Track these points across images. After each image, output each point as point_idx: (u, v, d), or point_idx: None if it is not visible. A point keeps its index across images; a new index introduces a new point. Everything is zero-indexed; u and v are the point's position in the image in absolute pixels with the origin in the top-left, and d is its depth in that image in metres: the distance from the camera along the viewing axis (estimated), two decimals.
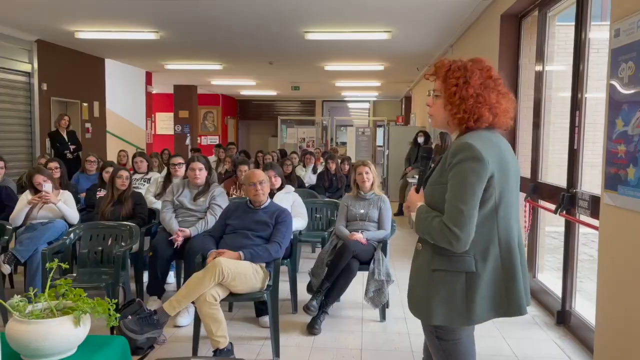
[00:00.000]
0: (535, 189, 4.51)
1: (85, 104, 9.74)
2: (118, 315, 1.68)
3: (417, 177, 2.09)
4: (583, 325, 3.60)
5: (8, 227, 4.07)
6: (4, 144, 7.67)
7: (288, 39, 8.01)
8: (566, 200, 3.71)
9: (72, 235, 3.98)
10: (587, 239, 6.69)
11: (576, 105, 3.73)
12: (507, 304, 1.81)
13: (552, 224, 6.28)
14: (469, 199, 1.69)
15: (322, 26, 7.19)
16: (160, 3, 6.02)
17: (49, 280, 1.69)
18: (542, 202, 4.44)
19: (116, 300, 1.70)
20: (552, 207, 3.94)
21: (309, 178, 7.66)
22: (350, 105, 21.54)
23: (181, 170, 5.16)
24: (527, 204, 4.59)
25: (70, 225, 4.33)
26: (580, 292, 4.83)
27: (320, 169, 7.77)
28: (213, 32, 7.62)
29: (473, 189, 1.69)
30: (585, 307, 3.86)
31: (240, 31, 7.56)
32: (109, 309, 1.63)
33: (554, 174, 4.96)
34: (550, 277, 4.69)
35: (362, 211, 4.22)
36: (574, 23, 3.77)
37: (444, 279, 1.79)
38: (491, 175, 1.72)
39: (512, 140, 5.21)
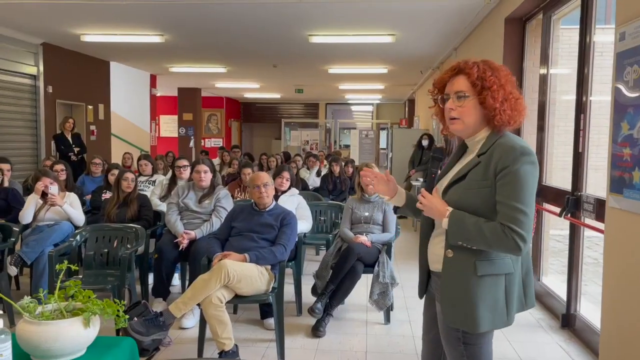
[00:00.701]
0: (540, 192, 4.51)
1: (90, 107, 9.79)
2: (127, 316, 1.70)
3: (421, 179, 2.07)
4: (588, 329, 3.59)
5: (15, 229, 4.09)
6: (10, 146, 7.71)
7: (292, 42, 8.04)
8: (571, 203, 3.72)
9: (78, 237, 4.00)
10: (592, 242, 6.67)
11: (581, 108, 3.74)
12: (526, 299, 1.86)
13: (556, 227, 6.28)
14: (530, 202, 1.70)
15: (326, 29, 7.21)
16: (165, 7, 6.06)
17: (58, 281, 1.70)
18: (546, 205, 4.44)
19: (124, 302, 1.71)
20: (557, 210, 3.94)
21: (313, 180, 7.67)
22: (353, 107, 21.57)
23: (186, 173, 5.18)
24: None
25: (76, 227, 4.36)
26: (585, 296, 4.82)
27: (324, 171, 7.78)
28: (217, 35, 7.65)
29: (532, 193, 1.71)
30: (590, 310, 3.86)
31: (244, 34, 7.59)
32: (118, 310, 1.64)
33: (559, 177, 4.96)
34: (554, 281, 4.69)
35: (366, 214, 4.23)
36: (578, 26, 3.78)
37: (489, 284, 1.76)
38: None
39: None
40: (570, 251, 3.89)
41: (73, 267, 1.78)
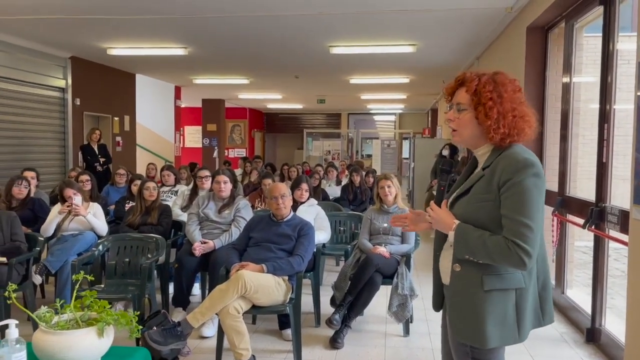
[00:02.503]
0: (563, 203, 4.42)
1: (116, 118, 10.01)
2: (141, 327, 1.72)
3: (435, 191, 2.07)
4: (613, 344, 3.49)
5: (40, 238, 4.19)
6: (39, 157, 7.92)
7: (313, 53, 8.10)
8: (595, 214, 3.63)
9: (100, 247, 4.07)
10: (620, 254, 6.49)
11: (604, 117, 3.66)
12: (543, 315, 1.80)
13: (582, 239, 6.13)
14: (535, 216, 1.65)
15: (346, 40, 7.24)
16: (188, 20, 6.18)
17: (75, 291, 1.74)
18: (570, 217, 4.35)
19: (138, 312, 1.74)
20: (581, 221, 3.86)
21: (333, 191, 7.67)
22: (376, 117, 21.54)
23: (207, 183, 5.24)
24: (555, 218, 4.50)
25: (99, 237, 4.44)
26: (611, 309, 4.69)
27: (344, 181, 7.78)
28: (239, 47, 7.76)
29: (538, 206, 1.66)
30: (616, 324, 3.75)
31: (266, 46, 7.67)
32: (132, 321, 1.66)
33: (585, 187, 4.86)
34: (580, 294, 4.57)
35: (385, 225, 4.20)
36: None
37: (496, 299, 1.73)
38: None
39: (539, 153, 5.13)
40: (595, 263, 3.79)
41: (89, 278, 1.81)
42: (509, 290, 1.73)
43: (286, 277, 3.46)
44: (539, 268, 1.78)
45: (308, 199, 4.73)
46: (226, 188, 4.40)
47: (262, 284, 3.25)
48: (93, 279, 3.25)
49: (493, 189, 1.70)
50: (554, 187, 4.74)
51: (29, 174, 5.22)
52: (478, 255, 1.70)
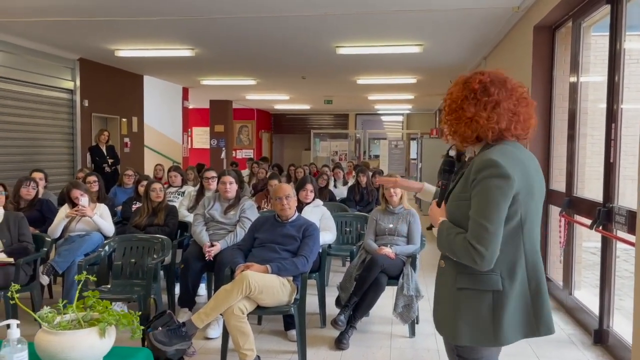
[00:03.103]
0: (571, 204, 4.39)
1: (124, 120, 10.06)
2: (142, 327, 1.72)
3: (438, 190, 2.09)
4: (621, 345, 3.46)
5: (47, 239, 4.22)
6: (48, 158, 7.99)
7: (319, 53, 8.10)
8: (602, 215, 3.60)
9: (106, 248, 4.10)
10: (629, 255, 6.44)
11: (612, 116, 3.63)
12: (536, 324, 1.76)
13: (591, 240, 6.08)
14: (494, 217, 1.64)
15: (353, 41, 7.24)
16: (194, 22, 6.20)
17: (78, 291, 1.75)
18: (577, 217, 4.31)
19: (139, 313, 1.74)
20: (588, 222, 3.83)
21: (339, 191, 7.67)
22: (383, 118, 21.49)
23: (214, 184, 5.25)
24: (562, 219, 4.46)
25: (106, 238, 4.46)
26: (620, 310, 4.65)
27: (351, 182, 7.77)
28: (246, 48, 7.77)
29: (498, 207, 1.65)
30: (624, 325, 3.71)
31: (272, 47, 7.68)
32: (133, 321, 1.67)
33: (594, 187, 4.81)
34: (588, 295, 4.53)
35: (390, 225, 4.19)
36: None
37: (470, 298, 1.75)
38: (517, 192, 1.68)
39: (546, 153, 5.09)
40: (603, 264, 3.76)
41: (92, 278, 1.82)
42: (483, 291, 1.73)
43: (291, 278, 3.46)
44: (530, 274, 1.75)
45: (313, 199, 4.72)
46: (231, 189, 4.41)
47: (267, 284, 3.25)
48: (96, 279, 3.26)
49: (468, 189, 1.73)
50: (561, 188, 4.71)
51: (38, 175, 5.27)
52: (449, 252, 1.77)
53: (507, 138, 1.76)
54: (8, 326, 1.57)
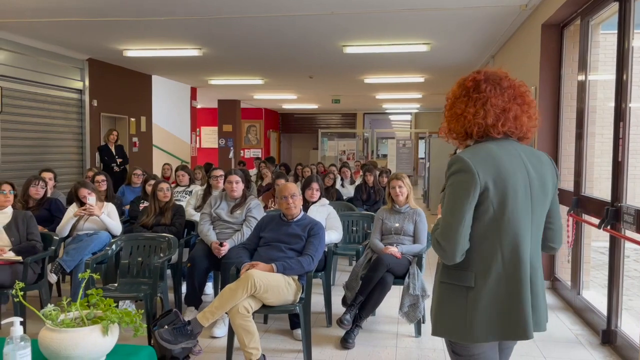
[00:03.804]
0: (579, 203, 4.35)
1: (132, 119, 10.12)
2: (145, 325, 1.73)
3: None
4: (629, 345, 3.42)
5: (55, 237, 4.25)
6: (58, 157, 8.06)
7: (326, 53, 8.09)
8: (610, 214, 3.57)
9: (113, 246, 4.12)
10: (638, 254, 6.38)
11: (620, 115, 3.60)
12: (511, 326, 1.72)
13: (600, 239, 6.03)
14: (455, 212, 1.68)
15: (360, 40, 7.22)
16: (201, 21, 6.22)
17: (81, 289, 1.76)
18: (585, 217, 4.28)
19: (142, 311, 1.75)
20: (597, 221, 3.79)
21: (346, 191, 7.66)
22: (391, 117, 21.44)
23: (222, 183, 5.26)
24: (570, 218, 4.43)
25: (114, 237, 4.49)
26: (629, 311, 4.61)
27: (358, 181, 7.76)
28: (253, 48, 7.79)
29: (461, 202, 1.68)
30: (633, 326, 3.67)
31: (279, 46, 7.69)
32: (136, 320, 1.68)
33: (604, 187, 4.77)
34: (596, 295, 4.50)
35: (396, 225, 4.18)
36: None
37: (447, 292, 1.80)
38: (484, 188, 1.67)
39: (554, 152, 5.06)
40: (611, 264, 3.72)
41: (96, 276, 1.83)
42: (457, 286, 1.77)
43: (296, 277, 3.46)
44: (507, 274, 1.71)
45: (319, 198, 4.72)
46: (238, 188, 4.42)
47: (272, 283, 3.25)
48: (99, 277, 3.28)
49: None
50: (570, 187, 4.67)
51: (47, 175, 5.31)
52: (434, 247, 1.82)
53: (492, 134, 1.76)
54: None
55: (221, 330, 3.87)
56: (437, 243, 1.73)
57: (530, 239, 1.75)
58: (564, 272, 4.94)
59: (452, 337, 1.78)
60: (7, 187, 3.97)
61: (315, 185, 4.68)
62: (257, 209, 4.42)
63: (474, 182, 1.66)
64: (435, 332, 1.83)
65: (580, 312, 4.31)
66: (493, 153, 1.72)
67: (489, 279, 1.71)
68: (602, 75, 5.12)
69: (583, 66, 4.47)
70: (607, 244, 3.80)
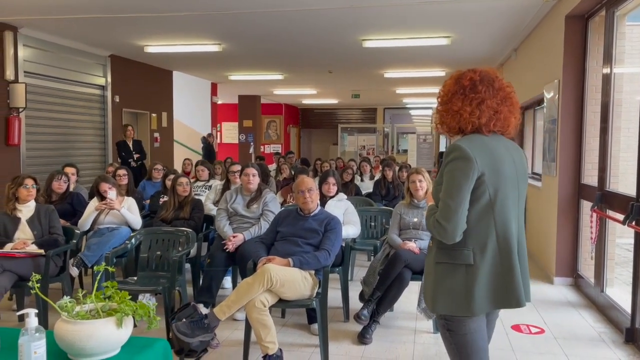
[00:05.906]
0: (603, 198, 4.25)
1: (154, 115, 10.23)
2: (159, 318, 1.74)
3: None
4: None
5: (77, 231, 4.32)
6: (81, 152, 8.20)
7: (346, 47, 8.05)
8: (635, 210, 3.48)
9: (133, 240, 4.17)
10: None
11: None
12: (507, 296, 1.90)
13: (625, 236, 5.89)
14: (455, 194, 1.83)
15: (379, 34, 7.16)
16: (221, 17, 6.24)
17: (96, 282, 1.78)
18: (610, 212, 4.18)
19: (156, 304, 1.76)
20: (621, 217, 3.70)
21: (366, 186, 7.62)
22: (412, 112, 21.26)
23: (239, 178, 5.28)
24: (594, 214, 4.33)
25: (134, 231, 4.54)
26: None
27: (378, 176, 7.72)
28: (272, 43, 7.79)
29: (460, 185, 1.83)
30: None
31: (298, 41, 7.68)
32: (150, 312, 1.69)
33: (629, 182, 4.65)
34: (621, 292, 4.39)
35: (415, 220, 4.14)
36: None
37: (446, 271, 1.92)
38: (481, 173, 1.84)
39: (578, 147, 4.95)
40: (635, 261, 3.63)
41: (111, 269, 1.85)
42: (456, 265, 1.90)
43: (313, 272, 3.45)
44: (502, 250, 1.89)
45: (337, 193, 4.70)
46: (254, 181, 4.42)
47: (288, 278, 3.25)
48: (114, 270, 3.31)
49: (442, 174, 1.93)
50: (594, 182, 4.56)
51: (69, 170, 5.40)
52: (430, 231, 1.96)
53: (483, 132, 1.94)
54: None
55: (242, 314, 3.86)
56: (438, 224, 1.85)
57: (517, 218, 1.96)
58: (587, 269, 4.84)
59: (453, 312, 1.91)
60: (30, 182, 4.04)
61: (332, 180, 4.67)
62: (273, 203, 4.43)
63: (473, 168, 1.83)
64: (435, 310, 1.95)
65: (604, 310, 4.21)
66: (486, 143, 1.91)
67: (485, 256, 1.88)
68: (628, 68, 4.98)
69: (608, 58, 4.35)
70: (632, 241, 3.70)
